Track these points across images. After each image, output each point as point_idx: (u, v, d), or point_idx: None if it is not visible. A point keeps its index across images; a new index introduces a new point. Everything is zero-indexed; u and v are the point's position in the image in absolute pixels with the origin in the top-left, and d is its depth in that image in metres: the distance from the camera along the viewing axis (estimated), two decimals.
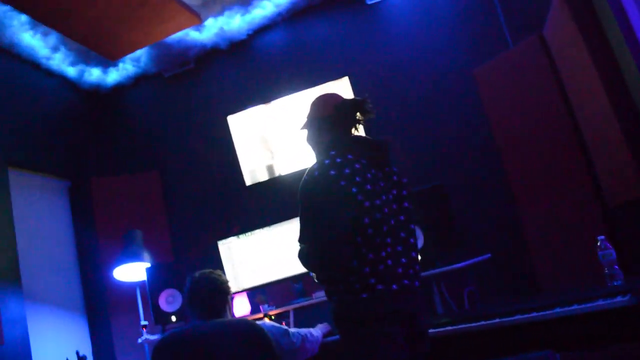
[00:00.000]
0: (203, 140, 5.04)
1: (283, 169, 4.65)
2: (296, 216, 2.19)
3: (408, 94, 4.46)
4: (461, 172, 4.21)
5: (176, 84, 5.24)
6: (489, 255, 3.62)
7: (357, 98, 2.32)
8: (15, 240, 3.91)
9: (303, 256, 2.18)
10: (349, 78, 4.51)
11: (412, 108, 4.44)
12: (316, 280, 2.26)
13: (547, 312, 2.42)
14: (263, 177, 4.70)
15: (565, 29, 3.13)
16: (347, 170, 2.08)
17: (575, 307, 2.33)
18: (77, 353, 3.41)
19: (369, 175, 2.11)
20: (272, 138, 4.72)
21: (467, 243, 3.70)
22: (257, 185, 4.72)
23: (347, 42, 4.73)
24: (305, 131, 2.41)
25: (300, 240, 2.16)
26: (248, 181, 4.73)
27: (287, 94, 4.68)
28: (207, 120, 5.04)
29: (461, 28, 4.38)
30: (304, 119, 2.41)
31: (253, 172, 4.73)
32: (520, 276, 3.89)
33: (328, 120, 2.30)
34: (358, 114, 2.29)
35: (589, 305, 2.31)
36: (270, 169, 4.69)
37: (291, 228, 3.66)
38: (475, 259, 3.51)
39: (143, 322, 3.93)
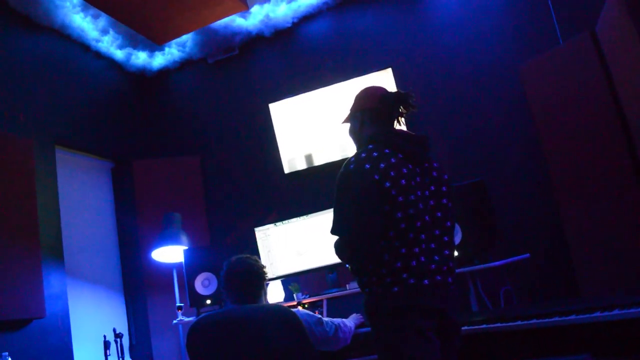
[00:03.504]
0: (244, 126, 5.07)
1: (322, 159, 4.65)
2: (332, 207, 2.19)
3: (452, 87, 4.40)
4: (503, 169, 4.14)
5: (220, 70, 5.29)
6: (528, 255, 3.55)
7: (401, 91, 2.30)
8: (59, 217, 4.02)
9: (338, 247, 2.18)
10: (393, 70, 4.47)
11: (455, 102, 4.38)
12: (351, 272, 2.26)
13: (587, 315, 2.36)
14: (302, 165, 4.71)
15: (620, 25, 3.03)
16: (382, 165, 2.07)
17: (616, 312, 2.27)
18: (114, 330, 3.49)
19: (404, 170, 2.09)
20: (313, 127, 4.72)
21: (506, 241, 3.64)
22: (295, 174, 4.74)
23: (392, 33, 4.68)
24: (348, 124, 2.41)
25: (333, 231, 2.16)
26: (286, 169, 4.75)
27: (330, 84, 4.67)
28: (249, 107, 5.07)
29: (510, 22, 4.29)
30: (347, 111, 2.41)
31: (292, 160, 4.75)
32: (559, 278, 3.82)
33: (371, 112, 2.30)
34: (401, 107, 2.28)
35: (631, 311, 2.24)
36: (309, 158, 4.69)
37: (328, 218, 3.64)
38: (514, 258, 3.45)
39: (178, 304, 4.00)
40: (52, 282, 3.78)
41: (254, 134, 5.00)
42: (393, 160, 2.09)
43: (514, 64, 4.06)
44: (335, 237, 2.18)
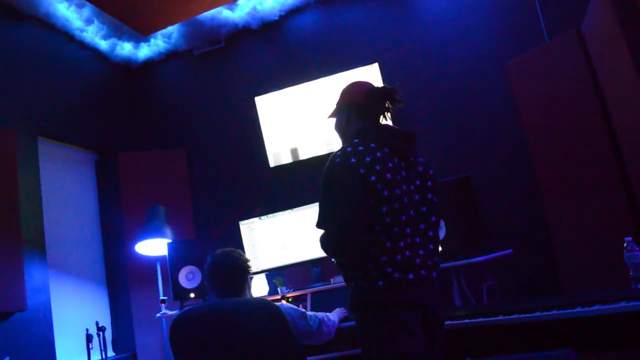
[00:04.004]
0: (230, 119, 5.05)
1: (307, 153, 4.64)
2: (317, 201, 2.18)
3: (438, 83, 4.41)
4: (489, 165, 4.17)
5: (206, 62, 5.25)
6: (511, 250, 3.58)
7: (388, 86, 2.29)
8: (41, 209, 3.97)
9: (324, 241, 2.18)
10: (379, 64, 4.48)
11: (442, 98, 4.39)
12: (337, 266, 2.26)
13: (568, 310, 2.38)
14: (287, 159, 4.71)
15: (605, 23, 3.05)
16: (367, 159, 2.06)
17: (597, 307, 2.30)
18: (97, 323, 3.47)
19: (390, 164, 2.09)
20: (299, 121, 4.71)
21: (490, 237, 3.66)
22: (281, 168, 4.73)
23: (379, 28, 4.68)
24: (334, 119, 2.40)
25: (318, 225, 2.16)
26: (272, 163, 4.74)
27: (316, 78, 4.66)
28: (234, 100, 5.05)
29: (496, 19, 4.31)
30: (333, 105, 2.40)
31: (277, 154, 4.74)
32: (541, 274, 3.85)
33: (357, 107, 2.29)
34: (387, 102, 2.28)
35: (611, 306, 2.27)
36: (294, 152, 4.69)
37: (313, 212, 3.65)
38: (497, 254, 3.47)
39: (162, 297, 3.98)
40: (34, 275, 3.73)
41: (239, 127, 4.98)
42: (379, 154, 2.09)
43: (500, 60, 4.09)
44: (321, 231, 2.18)
